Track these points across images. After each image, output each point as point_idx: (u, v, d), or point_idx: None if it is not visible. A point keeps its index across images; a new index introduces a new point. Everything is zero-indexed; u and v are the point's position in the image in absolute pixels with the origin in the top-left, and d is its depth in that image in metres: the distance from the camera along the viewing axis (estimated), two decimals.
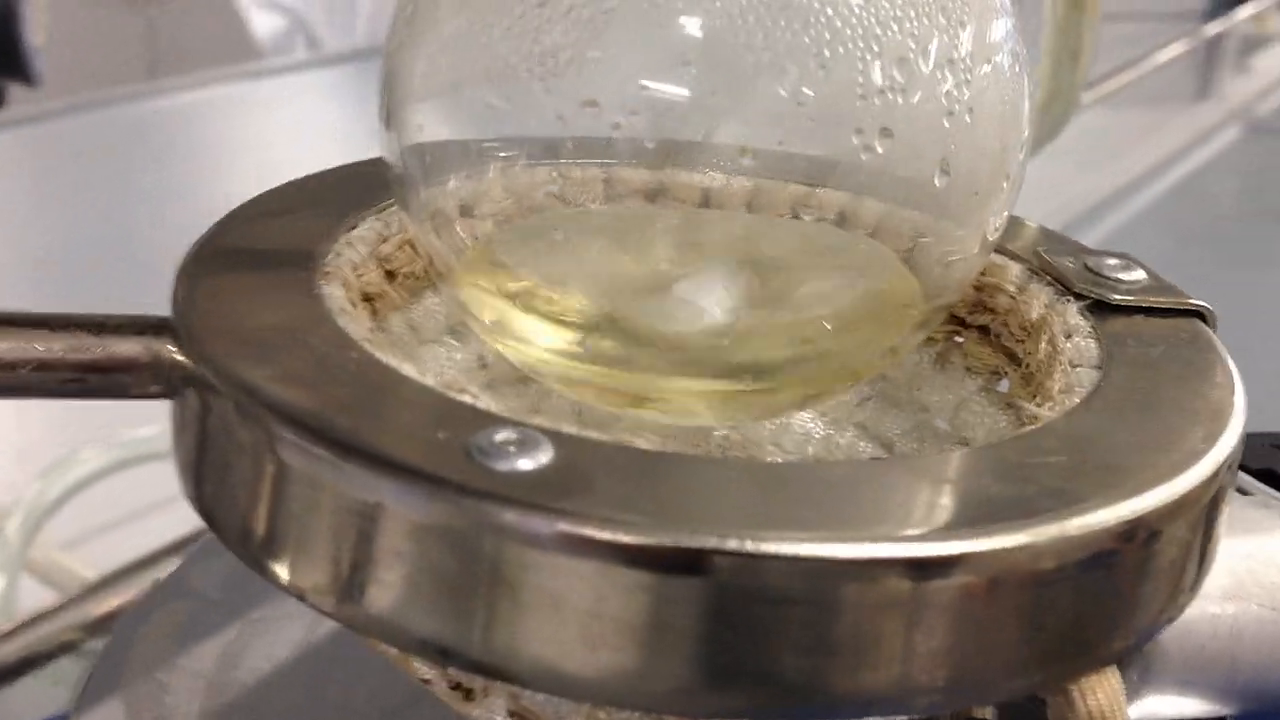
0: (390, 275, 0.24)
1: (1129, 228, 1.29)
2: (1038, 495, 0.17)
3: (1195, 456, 0.18)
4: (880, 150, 0.18)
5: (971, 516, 0.16)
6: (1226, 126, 1.61)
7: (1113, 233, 1.26)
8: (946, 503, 0.16)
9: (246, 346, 0.19)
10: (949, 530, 0.16)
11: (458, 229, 0.22)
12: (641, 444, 0.17)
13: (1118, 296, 0.22)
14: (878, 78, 0.17)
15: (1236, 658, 0.24)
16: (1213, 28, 1.44)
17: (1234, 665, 0.24)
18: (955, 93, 0.18)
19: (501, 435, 0.17)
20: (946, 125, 0.18)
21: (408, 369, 0.18)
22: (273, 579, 0.17)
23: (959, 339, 0.26)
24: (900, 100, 0.17)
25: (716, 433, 0.23)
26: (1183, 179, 1.45)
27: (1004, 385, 0.25)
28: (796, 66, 0.17)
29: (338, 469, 0.17)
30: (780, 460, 0.22)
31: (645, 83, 0.18)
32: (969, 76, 0.18)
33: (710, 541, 0.15)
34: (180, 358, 0.19)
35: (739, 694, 0.16)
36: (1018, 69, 0.20)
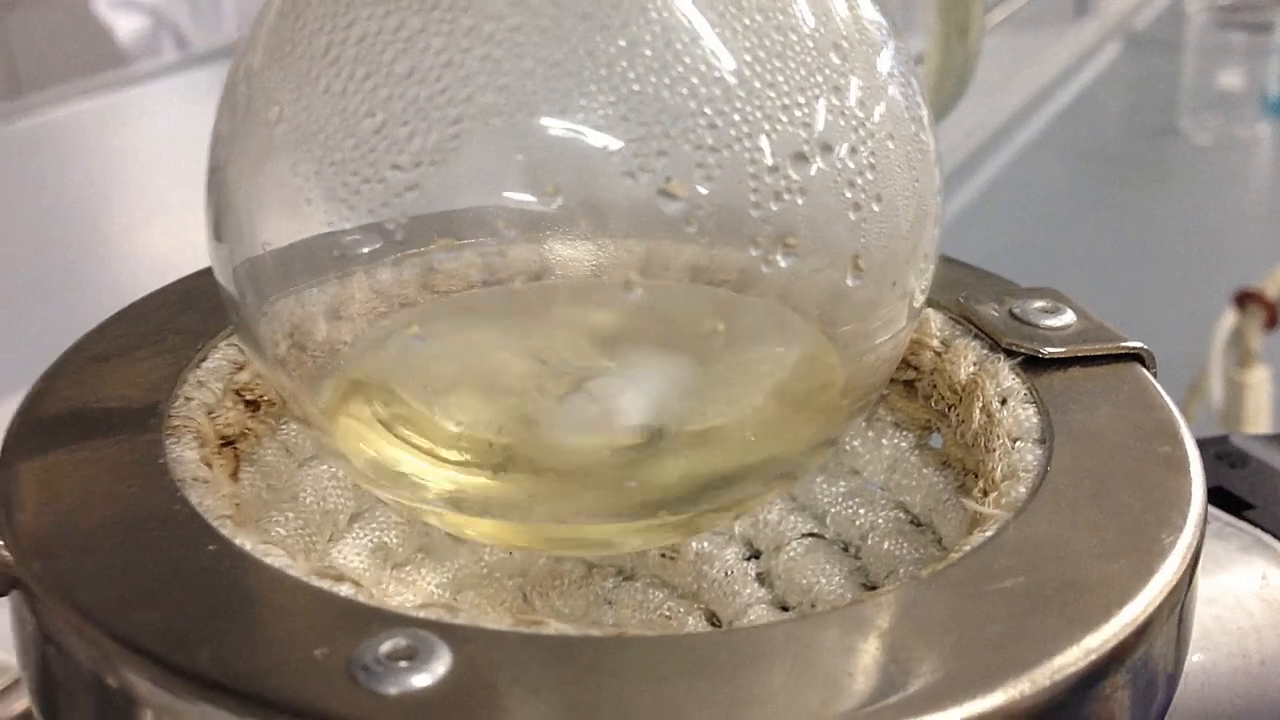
0: (253, 406, 0.21)
1: (1028, 153, 1.28)
2: (1000, 638, 0.15)
3: (1160, 555, 0.16)
4: (784, 264, 0.15)
5: (932, 683, 0.14)
6: (1107, 42, 1.62)
7: (1013, 160, 1.25)
8: (900, 668, 0.14)
9: (81, 551, 0.16)
10: (908, 707, 0.14)
11: (308, 354, 0.19)
12: (551, 629, 0.15)
13: (1050, 350, 0.21)
14: (770, 178, 0.15)
15: (1210, 711, 0.22)
16: None
17: (1208, 718, 0.22)
18: (860, 180, 0.16)
19: (389, 645, 0.14)
20: (853, 218, 0.16)
21: (275, 556, 0.16)
22: None
23: (884, 391, 0.24)
24: (800, 201, 0.15)
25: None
26: (1072, 99, 1.45)
27: (936, 440, 0.23)
28: (679, 176, 0.15)
29: (192, 704, 0.14)
30: (707, 630, 0.20)
31: (504, 224, 0.15)
32: (872, 159, 0.16)
33: None
34: (6, 553, 0.17)
35: None
36: (918, 109, 0.18)
